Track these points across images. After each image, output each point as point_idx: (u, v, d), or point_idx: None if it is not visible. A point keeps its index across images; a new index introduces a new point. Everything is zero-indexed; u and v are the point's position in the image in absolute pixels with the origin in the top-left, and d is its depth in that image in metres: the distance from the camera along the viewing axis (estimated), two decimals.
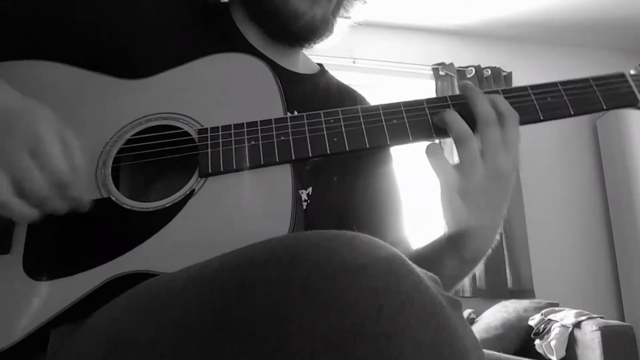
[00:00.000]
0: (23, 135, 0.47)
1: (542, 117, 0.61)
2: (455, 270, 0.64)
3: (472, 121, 0.58)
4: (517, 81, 3.37)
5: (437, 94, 3.28)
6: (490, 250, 0.63)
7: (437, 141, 0.60)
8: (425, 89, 3.36)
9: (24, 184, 0.47)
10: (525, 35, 3.52)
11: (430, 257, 0.66)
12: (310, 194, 0.71)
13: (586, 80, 0.63)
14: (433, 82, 3.35)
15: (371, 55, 3.29)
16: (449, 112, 0.58)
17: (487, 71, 3.35)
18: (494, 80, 3.34)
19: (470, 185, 0.56)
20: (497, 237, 0.63)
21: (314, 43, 0.76)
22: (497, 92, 0.61)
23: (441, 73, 3.33)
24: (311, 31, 0.73)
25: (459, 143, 0.57)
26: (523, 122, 0.60)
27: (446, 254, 0.63)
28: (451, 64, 3.34)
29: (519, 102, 0.61)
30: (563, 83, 0.63)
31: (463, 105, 0.60)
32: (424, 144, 0.60)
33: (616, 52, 3.52)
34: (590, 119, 3.41)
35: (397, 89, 3.40)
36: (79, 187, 0.51)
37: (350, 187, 0.77)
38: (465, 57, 3.39)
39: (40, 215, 0.50)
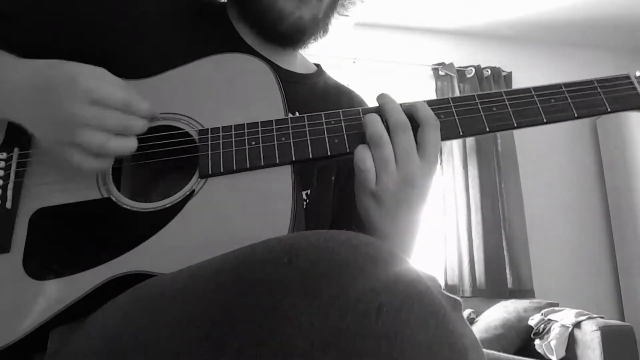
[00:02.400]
0: (78, 96, 0.52)
1: (545, 120, 0.60)
2: None
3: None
4: (517, 81, 3.37)
5: (437, 94, 3.28)
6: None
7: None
8: (425, 89, 3.36)
9: (106, 126, 0.53)
10: (525, 35, 3.52)
11: None
12: (309, 194, 0.71)
13: (590, 82, 0.62)
14: (433, 82, 3.36)
15: (371, 55, 3.29)
16: (369, 115, 0.58)
17: (487, 71, 3.36)
18: (494, 80, 3.35)
19: (380, 188, 0.56)
20: (413, 246, 0.63)
21: (306, 43, 0.75)
22: (418, 102, 0.60)
23: (441, 73, 3.33)
24: (299, 32, 0.72)
25: (372, 146, 0.57)
26: (527, 125, 0.60)
27: None
28: (451, 64, 3.34)
29: (522, 104, 0.60)
30: (567, 85, 0.62)
31: (460, 108, 0.60)
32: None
33: (616, 52, 3.53)
34: (591, 119, 3.41)
35: (397, 89, 3.40)
36: (140, 102, 0.56)
37: (350, 187, 0.77)
38: (465, 57, 3.39)
39: (136, 143, 0.56)
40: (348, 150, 0.58)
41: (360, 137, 0.58)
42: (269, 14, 0.70)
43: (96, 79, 0.54)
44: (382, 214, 0.58)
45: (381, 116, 0.58)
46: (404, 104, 0.60)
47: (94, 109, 0.52)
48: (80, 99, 0.52)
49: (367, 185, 0.57)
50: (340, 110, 0.60)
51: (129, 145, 0.55)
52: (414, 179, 0.56)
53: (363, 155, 0.56)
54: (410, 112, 0.58)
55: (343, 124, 0.59)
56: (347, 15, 0.79)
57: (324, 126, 0.59)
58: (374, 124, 0.57)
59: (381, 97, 0.60)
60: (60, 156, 0.54)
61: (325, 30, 0.76)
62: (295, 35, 0.73)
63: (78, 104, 0.52)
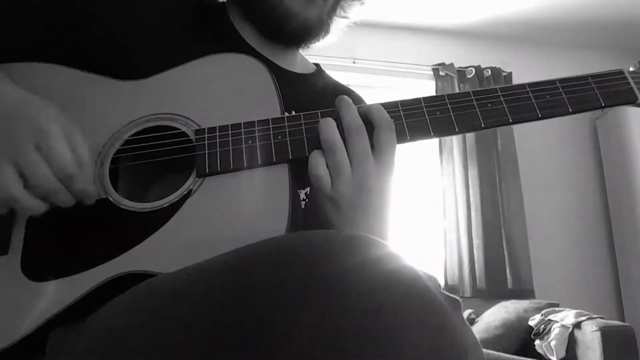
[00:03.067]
0: (28, 130, 0.49)
1: (540, 115, 0.61)
2: None
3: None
4: (517, 81, 3.34)
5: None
6: None
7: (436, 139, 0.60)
8: (425, 90, 3.37)
9: (30, 176, 0.49)
10: (525, 35, 3.52)
11: None
12: (308, 193, 0.71)
13: (585, 77, 0.63)
14: (433, 83, 3.36)
15: (371, 55, 3.29)
16: (324, 120, 0.58)
17: (487, 71, 3.36)
18: (494, 80, 3.35)
19: (337, 193, 0.56)
20: None
21: (310, 43, 0.76)
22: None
23: (441, 73, 3.34)
24: (305, 31, 0.72)
25: (325, 152, 0.56)
26: (521, 121, 0.60)
27: None
28: (451, 64, 3.34)
29: (517, 100, 0.61)
30: (561, 81, 0.63)
31: (456, 105, 0.60)
32: (420, 143, 0.60)
33: (616, 52, 3.52)
34: (590, 119, 3.42)
35: (397, 89, 3.40)
36: (84, 180, 0.53)
37: None
38: (465, 57, 3.39)
39: (46, 209, 0.51)
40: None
41: None
42: (275, 13, 0.70)
43: (55, 128, 0.51)
44: (340, 218, 0.57)
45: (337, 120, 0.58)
46: (361, 106, 0.59)
47: (31, 154, 0.49)
48: (29, 137, 0.49)
49: (323, 190, 0.56)
50: (336, 109, 0.60)
51: (37, 209, 0.51)
52: (370, 182, 0.56)
53: (316, 161, 0.56)
54: (365, 114, 0.58)
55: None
56: (346, 17, 0.80)
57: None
58: (327, 129, 0.56)
59: (338, 101, 0.60)
60: None
61: (327, 31, 0.76)
62: (301, 35, 0.73)
63: (22, 139, 0.49)
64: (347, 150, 0.56)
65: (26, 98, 0.53)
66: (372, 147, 0.57)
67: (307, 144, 0.58)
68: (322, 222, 0.60)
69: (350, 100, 0.59)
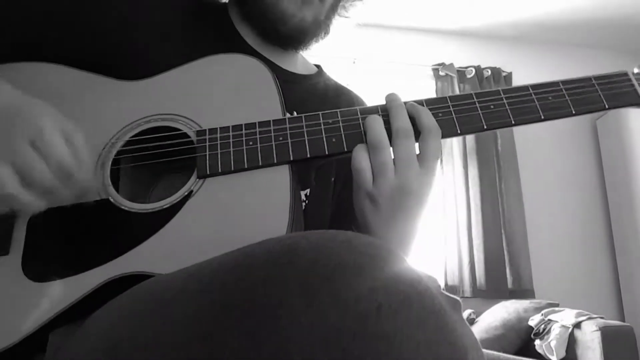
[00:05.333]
0: (24, 128, 0.49)
1: (543, 117, 0.60)
2: None
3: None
4: (517, 81, 3.37)
5: (437, 95, 3.27)
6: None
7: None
8: (425, 90, 3.37)
9: (28, 174, 0.48)
10: (525, 35, 3.52)
11: None
12: (308, 194, 0.71)
13: (588, 79, 0.63)
14: (433, 83, 3.36)
15: (371, 55, 3.29)
16: (371, 117, 0.58)
17: (487, 71, 3.36)
18: (494, 80, 3.35)
19: (378, 192, 0.56)
20: (409, 252, 0.62)
21: (307, 45, 0.75)
22: (422, 103, 0.60)
23: (441, 73, 3.34)
24: (300, 33, 0.72)
25: (371, 149, 0.56)
26: (524, 122, 0.60)
27: None
28: (451, 65, 3.34)
29: (520, 102, 0.61)
30: (564, 82, 0.62)
31: (458, 107, 0.60)
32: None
33: (617, 52, 3.53)
34: (591, 119, 3.42)
35: (397, 89, 3.39)
36: (82, 175, 0.52)
37: (349, 187, 0.77)
38: (465, 57, 3.39)
39: (46, 206, 0.51)
40: (346, 149, 0.58)
41: (359, 136, 0.58)
42: (271, 15, 0.70)
43: (50, 126, 0.50)
44: (377, 217, 0.58)
45: (384, 116, 0.58)
46: (407, 103, 0.60)
47: (27, 150, 0.48)
48: (24, 134, 0.49)
49: (363, 186, 0.57)
50: (337, 110, 0.60)
51: (36, 205, 0.50)
52: (412, 186, 0.56)
53: (360, 156, 0.56)
54: (413, 116, 0.58)
55: (341, 123, 0.59)
56: (347, 17, 0.79)
57: (322, 126, 0.59)
58: (375, 127, 0.57)
59: (389, 97, 0.60)
60: None
61: (327, 32, 0.76)
62: (296, 37, 0.73)
63: (18, 137, 0.48)
64: (393, 152, 0.56)
65: (22, 98, 0.53)
66: (418, 151, 0.57)
67: (308, 146, 0.58)
68: (358, 218, 0.61)
69: (401, 101, 0.59)
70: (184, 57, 0.64)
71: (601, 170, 3.41)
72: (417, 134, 0.58)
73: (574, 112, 0.61)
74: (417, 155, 0.57)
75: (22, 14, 0.66)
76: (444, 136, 0.59)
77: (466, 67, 3.36)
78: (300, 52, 0.80)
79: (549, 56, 3.52)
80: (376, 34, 3.28)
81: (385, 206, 0.57)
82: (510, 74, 3.40)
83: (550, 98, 0.61)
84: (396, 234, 0.60)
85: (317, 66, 0.87)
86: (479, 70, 3.35)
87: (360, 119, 0.59)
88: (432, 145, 0.57)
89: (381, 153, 0.56)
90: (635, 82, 0.63)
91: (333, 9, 0.75)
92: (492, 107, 0.60)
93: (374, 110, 0.60)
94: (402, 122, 0.57)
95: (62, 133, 0.51)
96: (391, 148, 0.57)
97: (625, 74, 0.63)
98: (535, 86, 0.62)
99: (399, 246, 0.61)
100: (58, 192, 0.51)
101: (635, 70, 0.64)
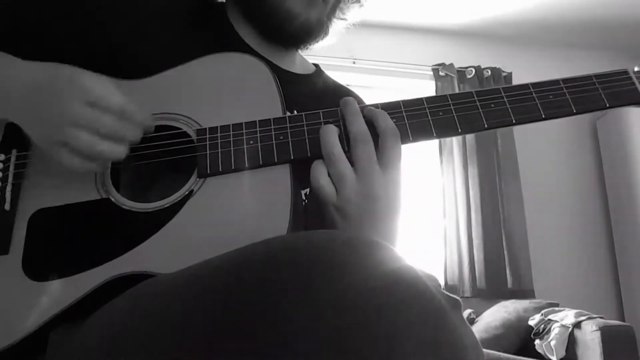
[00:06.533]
0: (75, 95, 0.52)
1: (544, 116, 0.60)
2: None
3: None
4: (517, 81, 3.33)
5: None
6: None
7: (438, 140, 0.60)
8: (425, 90, 3.36)
9: (98, 129, 0.52)
10: (525, 35, 3.52)
11: None
12: (308, 193, 0.71)
13: (589, 77, 0.62)
14: (433, 83, 3.36)
15: (371, 55, 3.29)
16: (324, 127, 0.57)
17: (487, 71, 3.36)
18: (494, 80, 3.35)
19: (342, 203, 0.55)
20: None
21: (309, 44, 0.76)
22: (377, 106, 0.60)
23: (441, 74, 3.33)
24: (306, 33, 0.72)
25: (326, 162, 0.56)
26: (525, 121, 0.60)
27: None
28: (451, 65, 3.34)
29: (521, 101, 0.60)
30: (565, 81, 0.62)
31: (458, 105, 0.60)
32: (420, 143, 0.60)
33: (617, 52, 3.52)
34: (591, 119, 3.42)
35: (397, 89, 3.40)
36: (143, 114, 0.56)
37: None
38: (465, 57, 3.39)
39: (127, 149, 0.55)
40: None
41: None
42: (276, 14, 0.70)
43: (95, 82, 0.54)
44: (348, 227, 0.57)
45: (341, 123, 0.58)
46: (365, 107, 0.59)
47: (88, 110, 0.52)
48: (76, 98, 0.52)
49: (328, 201, 0.56)
50: (338, 109, 0.60)
51: (118, 150, 0.54)
52: (377, 191, 0.55)
53: (317, 172, 0.56)
54: (371, 121, 0.58)
55: (341, 122, 0.59)
56: (345, 19, 0.80)
57: (323, 124, 0.59)
58: (326, 139, 0.56)
59: (344, 106, 0.59)
60: (50, 155, 0.54)
61: (327, 32, 0.77)
62: (301, 37, 0.73)
63: (73, 102, 0.52)
64: (352, 159, 0.56)
65: (50, 67, 0.56)
66: (377, 154, 0.56)
67: (308, 144, 0.58)
68: (326, 227, 0.59)
69: (357, 107, 0.58)
70: (183, 56, 0.64)
71: (601, 170, 3.41)
72: (377, 138, 0.57)
73: (575, 110, 0.61)
74: (377, 158, 0.56)
75: (22, 14, 0.66)
76: (444, 136, 0.59)
77: (466, 68, 3.36)
78: (299, 52, 0.81)
79: (549, 56, 3.51)
80: (376, 34, 3.28)
81: (354, 215, 0.56)
82: (510, 74, 3.39)
83: (551, 97, 0.61)
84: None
85: (316, 65, 0.87)
86: (479, 70, 3.35)
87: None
88: (391, 147, 0.56)
89: (336, 164, 0.55)
90: (635, 81, 0.62)
91: (334, 10, 0.75)
92: (492, 105, 0.60)
93: (373, 108, 0.60)
94: (357, 126, 0.57)
95: (104, 85, 0.54)
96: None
97: (626, 73, 0.63)
98: (536, 85, 0.62)
99: None
100: (128, 133, 0.54)
101: (636, 69, 0.64)
